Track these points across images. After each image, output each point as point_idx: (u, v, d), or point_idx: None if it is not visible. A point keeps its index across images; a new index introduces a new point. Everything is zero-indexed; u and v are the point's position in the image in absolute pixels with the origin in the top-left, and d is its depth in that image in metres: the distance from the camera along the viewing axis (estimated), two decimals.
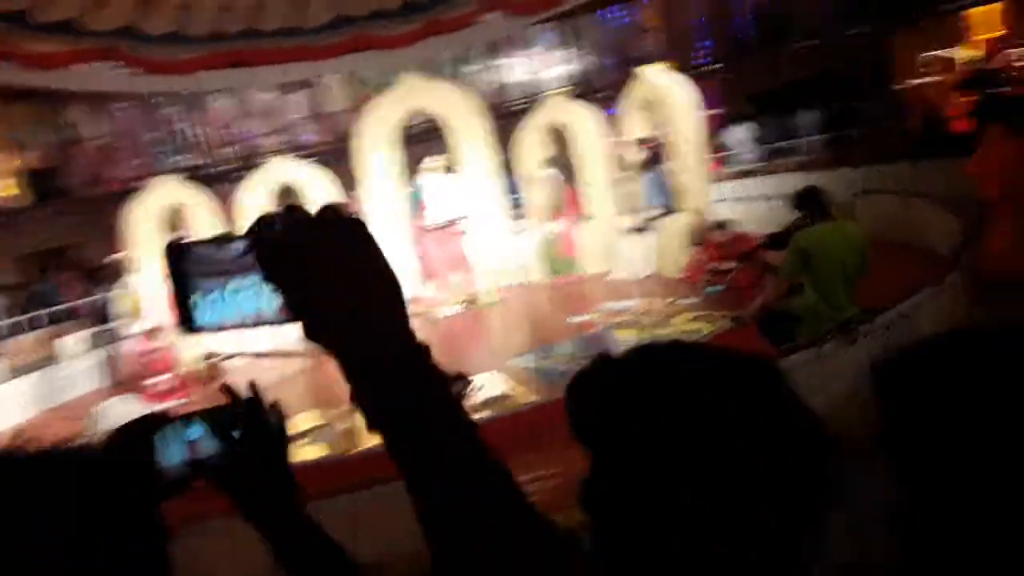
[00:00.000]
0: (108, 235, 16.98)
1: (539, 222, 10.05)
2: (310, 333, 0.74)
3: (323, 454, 5.26)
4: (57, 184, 15.68)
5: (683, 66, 17.39)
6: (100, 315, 12.17)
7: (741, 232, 7.59)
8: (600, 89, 17.17)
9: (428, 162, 10.18)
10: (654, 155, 8.91)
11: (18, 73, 11.49)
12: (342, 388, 0.72)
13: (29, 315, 11.81)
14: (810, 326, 4.43)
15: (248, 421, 1.07)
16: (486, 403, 5.31)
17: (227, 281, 0.79)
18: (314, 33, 12.92)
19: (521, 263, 9.98)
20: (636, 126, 9.32)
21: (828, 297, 4.37)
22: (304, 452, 5.31)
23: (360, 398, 0.74)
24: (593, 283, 9.14)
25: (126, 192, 16.53)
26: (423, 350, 0.76)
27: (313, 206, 0.75)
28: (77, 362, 9.50)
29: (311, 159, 16.64)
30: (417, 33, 13.75)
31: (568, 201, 9.76)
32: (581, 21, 18.62)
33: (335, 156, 13.80)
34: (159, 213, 9.09)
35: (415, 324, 0.73)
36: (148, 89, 13.98)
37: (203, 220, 9.38)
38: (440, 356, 0.73)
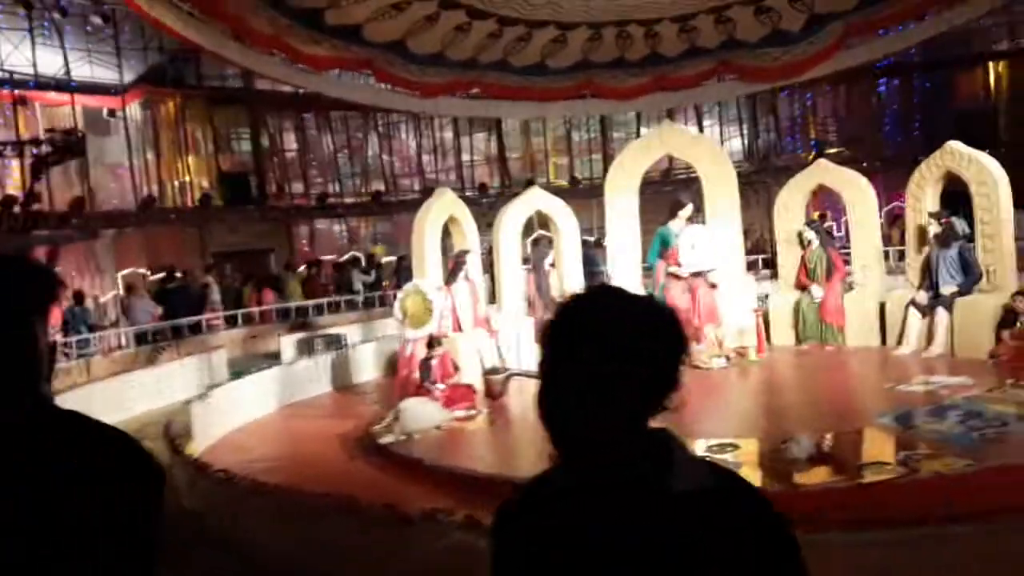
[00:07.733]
0: (290, 243, 17.26)
1: (791, 285, 9.65)
2: None
3: None
4: (249, 191, 15.97)
5: (864, 157, 17.15)
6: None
7: None
8: (778, 167, 17.00)
9: (686, 211, 9.93)
10: (949, 231, 8.45)
11: (283, 69, 11.70)
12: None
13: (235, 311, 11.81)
14: None
15: None
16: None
17: None
18: (553, 74, 13.03)
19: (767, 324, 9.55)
20: (931, 200, 8.91)
21: None
22: None
23: None
24: (865, 355, 8.61)
25: (311, 207, 16.86)
26: None
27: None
28: (307, 362, 9.30)
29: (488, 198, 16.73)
30: (645, 87, 13.77)
31: (833, 267, 9.34)
32: (763, 96, 18.51)
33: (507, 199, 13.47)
34: (440, 222, 9.03)
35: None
36: (388, 106, 14.15)
37: (471, 233, 9.31)
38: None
